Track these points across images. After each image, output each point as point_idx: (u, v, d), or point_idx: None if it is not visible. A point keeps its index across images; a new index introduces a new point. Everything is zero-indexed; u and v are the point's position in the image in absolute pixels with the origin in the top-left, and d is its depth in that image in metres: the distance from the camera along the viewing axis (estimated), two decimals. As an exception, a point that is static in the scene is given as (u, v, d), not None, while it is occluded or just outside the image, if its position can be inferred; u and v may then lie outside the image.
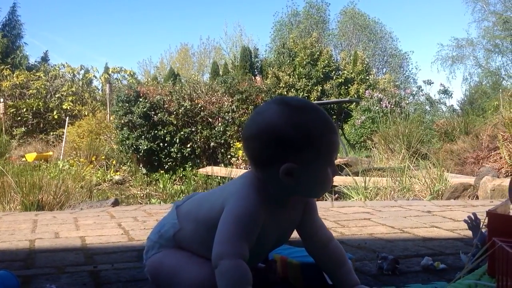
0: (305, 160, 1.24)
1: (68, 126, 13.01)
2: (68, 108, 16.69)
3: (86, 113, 15.98)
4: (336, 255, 1.45)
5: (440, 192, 4.92)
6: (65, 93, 17.39)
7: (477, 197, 4.69)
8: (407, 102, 13.56)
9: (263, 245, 1.32)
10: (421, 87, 16.75)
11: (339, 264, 1.43)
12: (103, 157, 10.12)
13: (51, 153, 12.03)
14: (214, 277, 1.25)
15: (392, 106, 12.09)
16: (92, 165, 9.38)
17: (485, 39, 33.25)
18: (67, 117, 14.19)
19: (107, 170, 9.58)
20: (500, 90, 16.21)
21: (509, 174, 6.13)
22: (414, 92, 15.83)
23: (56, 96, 17.27)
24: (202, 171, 8.91)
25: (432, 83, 16.49)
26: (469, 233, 1.80)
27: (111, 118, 12.43)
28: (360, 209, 3.63)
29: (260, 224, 1.28)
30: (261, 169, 1.30)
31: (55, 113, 16.65)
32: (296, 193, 1.33)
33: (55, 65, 21.28)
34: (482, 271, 1.49)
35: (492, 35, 32.82)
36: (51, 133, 15.80)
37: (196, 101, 10.08)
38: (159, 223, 1.54)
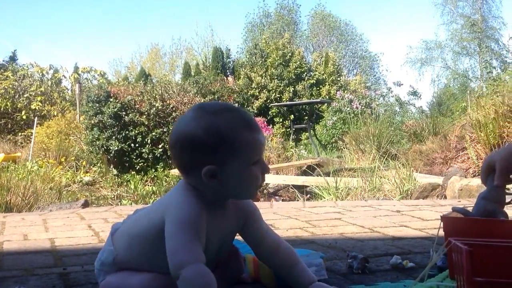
0: (223, 161, 1.27)
1: (36, 126, 12.78)
2: (37, 108, 16.41)
3: (55, 113, 15.73)
4: (287, 256, 1.46)
5: (409, 192, 5.00)
6: (33, 93, 17.08)
7: (445, 197, 4.78)
8: (377, 103, 13.72)
9: (206, 252, 1.30)
10: (391, 88, 17.01)
11: (292, 264, 1.45)
12: (73, 158, 9.98)
13: (19, 154, 11.80)
14: (155, 282, 1.28)
15: (363, 107, 12.24)
16: (61, 166, 9.24)
17: (453, 41, 33.90)
18: (36, 118, 13.93)
19: (77, 171, 9.45)
20: (468, 91, 16.53)
21: (477, 174, 6.25)
22: (384, 94, 16.04)
23: (25, 96, 16.96)
24: (174, 172, 8.85)
25: (402, 84, 16.75)
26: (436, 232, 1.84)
27: (81, 119, 12.26)
28: (331, 209, 3.66)
29: (205, 225, 1.29)
30: (187, 175, 1.33)
31: (23, 113, 16.35)
32: (226, 196, 1.35)
33: (24, 64, 20.87)
34: (445, 275, 1.55)
35: (460, 38, 33.46)
36: (19, 134, 15.51)
37: (167, 102, 10.02)
38: (101, 251, 1.52)
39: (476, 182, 4.60)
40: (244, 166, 1.29)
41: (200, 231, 1.27)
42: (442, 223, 1.61)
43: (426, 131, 9.03)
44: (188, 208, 1.28)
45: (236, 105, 9.94)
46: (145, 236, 1.36)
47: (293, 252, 1.47)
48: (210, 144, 1.26)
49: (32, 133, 12.55)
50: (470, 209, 1.73)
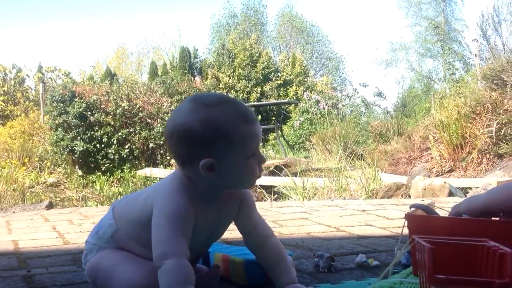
0: (221, 154, 1.26)
1: (-1, 126, 12.53)
2: (-1, 108, 16.10)
3: (18, 113, 15.45)
4: (274, 251, 1.46)
5: (375, 192, 5.07)
6: (-5, 93, 16.75)
7: (410, 196, 4.85)
8: (344, 104, 13.85)
9: (194, 240, 1.32)
10: (356, 89, 17.18)
11: (278, 260, 1.45)
12: (37, 158, 9.80)
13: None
14: (151, 277, 1.26)
15: (329, 107, 12.33)
16: (25, 167, 9.05)
17: (417, 43, 34.45)
18: (-2, 118, 13.66)
19: (41, 172, 9.28)
20: (432, 93, 16.82)
21: (440, 173, 6.39)
22: (350, 94, 16.20)
23: (-13, 95, 16.62)
24: (140, 172, 8.78)
25: (367, 85, 16.94)
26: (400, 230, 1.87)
27: (45, 119, 12.05)
28: (298, 209, 3.69)
29: (192, 219, 1.29)
30: (183, 167, 1.32)
31: (-15, 113, 16.02)
32: (224, 187, 1.35)
33: (-15, 63, 20.43)
34: (408, 271, 1.58)
35: (424, 40, 34.04)
36: (-19, 134, 15.15)
37: (134, 102, 9.93)
38: (97, 225, 1.52)
39: (439, 182, 4.69)
40: (242, 158, 1.29)
41: (187, 225, 1.28)
42: (406, 221, 1.64)
43: (391, 132, 9.18)
44: (175, 202, 1.28)
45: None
46: (140, 222, 1.36)
47: (281, 249, 1.48)
48: (207, 137, 1.25)
49: (-6, 133, 12.28)
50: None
